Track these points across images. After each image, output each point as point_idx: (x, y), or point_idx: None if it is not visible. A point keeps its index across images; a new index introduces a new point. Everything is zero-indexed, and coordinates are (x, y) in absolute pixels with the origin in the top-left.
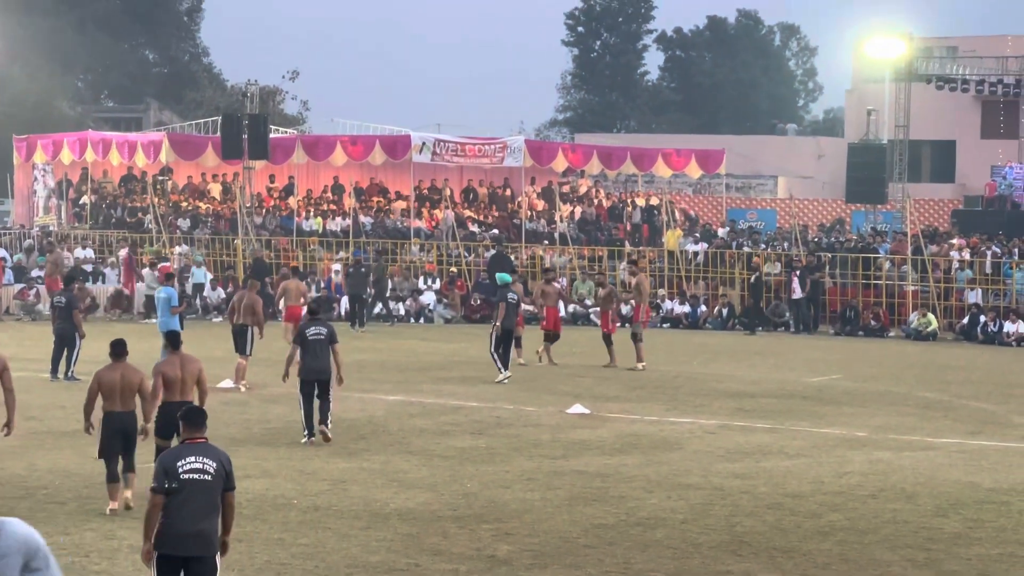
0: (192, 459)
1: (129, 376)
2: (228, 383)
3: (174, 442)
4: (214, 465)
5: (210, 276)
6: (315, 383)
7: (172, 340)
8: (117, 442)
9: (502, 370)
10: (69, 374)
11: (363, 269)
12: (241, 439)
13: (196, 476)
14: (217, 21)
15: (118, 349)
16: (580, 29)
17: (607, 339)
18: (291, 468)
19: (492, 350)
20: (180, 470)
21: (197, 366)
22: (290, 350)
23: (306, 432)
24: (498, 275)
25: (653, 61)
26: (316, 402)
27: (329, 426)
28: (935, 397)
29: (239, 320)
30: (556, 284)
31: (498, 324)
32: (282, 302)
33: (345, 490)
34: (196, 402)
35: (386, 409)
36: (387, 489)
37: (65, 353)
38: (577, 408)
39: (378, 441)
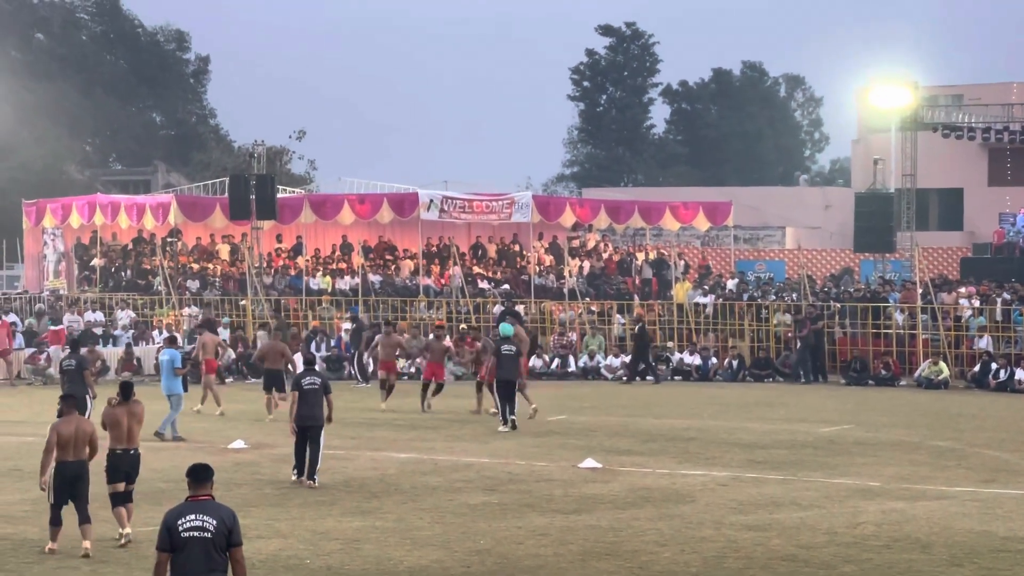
0: (192, 517)
1: (83, 427)
2: (240, 443)
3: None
4: (214, 522)
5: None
6: (307, 428)
7: (124, 390)
8: (67, 489)
9: (504, 420)
10: None
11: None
12: (253, 500)
13: (196, 534)
14: (223, 83)
15: (69, 403)
16: (586, 84)
17: (479, 386)
18: (304, 528)
19: (496, 401)
20: (180, 528)
21: (140, 412)
22: (290, 399)
23: (295, 470)
24: (501, 326)
25: (659, 114)
26: (308, 450)
27: (316, 480)
28: (948, 446)
29: (272, 365)
30: (446, 342)
31: (493, 376)
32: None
33: (358, 549)
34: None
35: (398, 467)
36: (400, 547)
37: None
38: (589, 462)
39: (390, 499)
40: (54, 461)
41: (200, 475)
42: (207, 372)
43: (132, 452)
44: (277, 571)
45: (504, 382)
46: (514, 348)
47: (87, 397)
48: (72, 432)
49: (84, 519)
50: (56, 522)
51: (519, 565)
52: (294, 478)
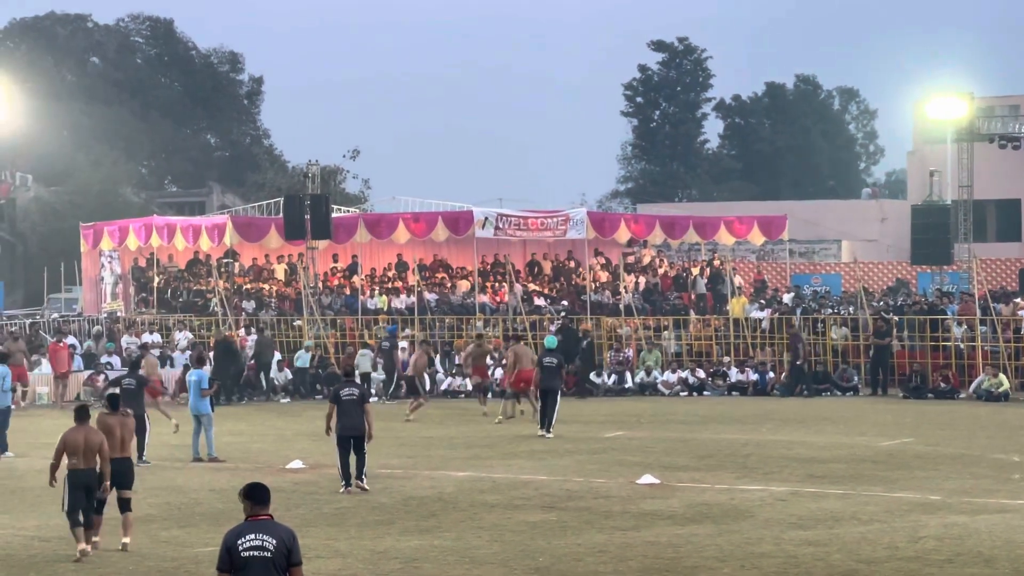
0: (252, 536)
1: (91, 437)
2: (298, 463)
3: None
4: (274, 542)
5: (278, 356)
6: (350, 439)
7: (111, 402)
8: (81, 495)
9: (544, 427)
10: (142, 458)
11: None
12: (312, 519)
13: (256, 554)
14: (277, 104)
15: (81, 414)
16: (639, 99)
17: (502, 393)
18: (362, 547)
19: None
20: (241, 548)
21: (131, 423)
22: (328, 408)
23: (343, 482)
24: (546, 339)
25: (712, 129)
26: (354, 457)
27: (364, 480)
28: (1009, 459)
29: (412, 373)
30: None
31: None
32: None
33: (417, 568)
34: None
35: (456, 485)
36: (459, 566)
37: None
38: (647, 478)
39: (449, 518)
40: (67, 468)
41: (258, 495)
42: (152, 393)
43: (124, 460)
44: None
45: (545, 391)
46: (555, 360)
47: (145, 417)
48: (81, 440)
49: (97, 511)
50: (76, 524)
51: None
52: (342, 491)
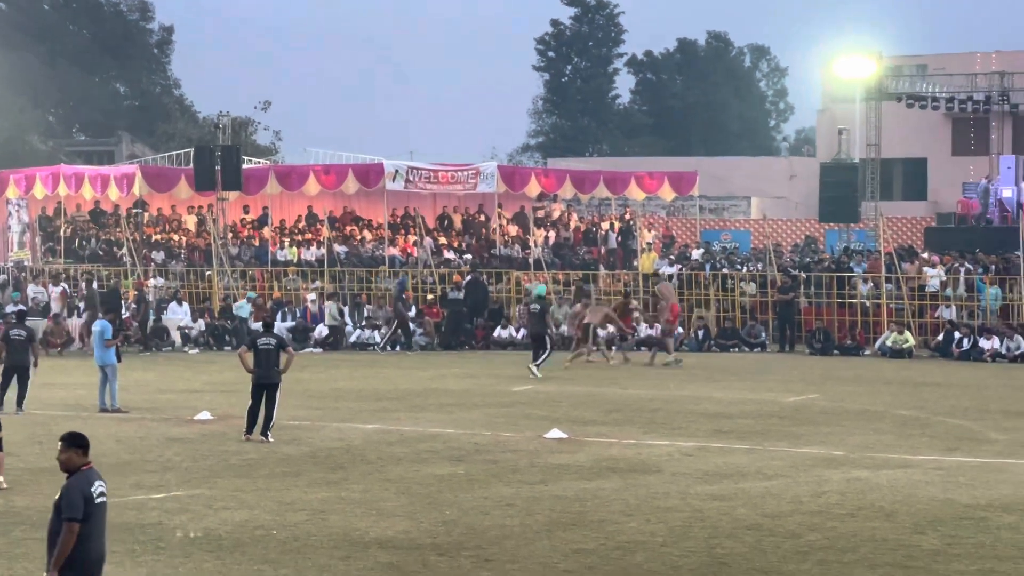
0: (98, 484)
1: None
2: (206, 415)
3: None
4: (105, 486)
5: (184, 307)
6: (263, 388)
7: None
8: None
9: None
10: (20, 408)
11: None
12: (219, 471)
13: (102, 499)
14: (187, 54)
15: None
16: (551, 54)
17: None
18: (270, 499)
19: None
20: (95, 495)
21: None
22: (241, 352)
23: (246, 430)
24: (537, 287)
25: (624, 84)
26: (264, 409)
27: (270, 436)
28: (912, 415)
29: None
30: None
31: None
32: None
33: (324, 520)
34: None
35: (364, 438)
36: (366, 518)
37: (17, 386)
38: (555, 433)
39: (356, 470)
40: None
41: (88, 443)
42: None
43: None
44: (244, 542)
45: (532, 335)
46: (539, 307)
47: (31, 367)
48: None
49: None
50: None
51: (485, 536)
52: (244, 438)
